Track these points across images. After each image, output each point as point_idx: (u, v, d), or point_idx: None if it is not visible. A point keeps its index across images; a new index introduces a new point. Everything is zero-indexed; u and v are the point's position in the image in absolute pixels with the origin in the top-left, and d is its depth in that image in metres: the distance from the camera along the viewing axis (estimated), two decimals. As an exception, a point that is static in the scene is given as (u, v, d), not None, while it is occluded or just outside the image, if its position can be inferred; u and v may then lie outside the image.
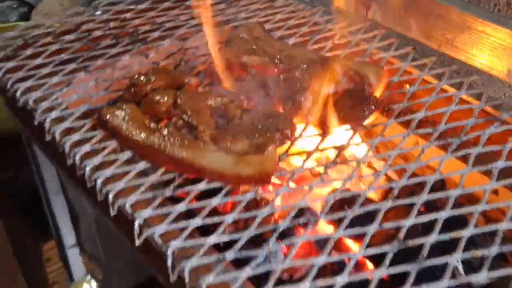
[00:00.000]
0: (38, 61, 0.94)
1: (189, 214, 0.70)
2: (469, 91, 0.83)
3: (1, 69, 0.93)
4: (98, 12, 1.07)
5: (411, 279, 0.62)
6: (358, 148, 0.81)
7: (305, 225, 0.71)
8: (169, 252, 0.66)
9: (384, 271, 0.63)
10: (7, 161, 1.34)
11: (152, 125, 0.77)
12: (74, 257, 1.15)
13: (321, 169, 0.76)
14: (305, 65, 0.83)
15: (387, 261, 0.64)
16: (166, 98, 0.80)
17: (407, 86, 0.88)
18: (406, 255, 0.65)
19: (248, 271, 0.63)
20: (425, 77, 0.87)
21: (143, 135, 0.76)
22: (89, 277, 1.07)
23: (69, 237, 1.13)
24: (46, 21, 1.03)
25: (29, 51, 0.96)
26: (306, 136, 0.80)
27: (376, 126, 0.80)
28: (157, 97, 0.80)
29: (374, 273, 0.63)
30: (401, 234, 0.66)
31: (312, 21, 1.01)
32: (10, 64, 0.93)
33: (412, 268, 0.63)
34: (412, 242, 0.65)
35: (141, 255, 0.74)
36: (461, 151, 0.75)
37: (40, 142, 0.91)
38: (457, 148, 0.75)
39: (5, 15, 1.67)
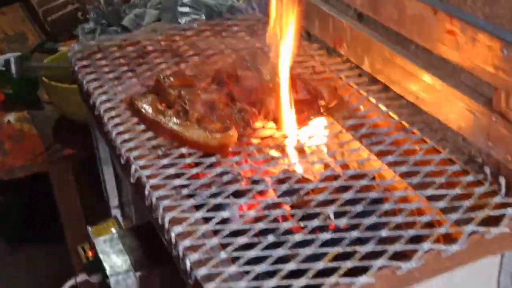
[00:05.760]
0: (103, 62, 1.32)
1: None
2: (394, 109, 1.12)
3: (77, 65, 1.31)
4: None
5: (298, 217, 0.92)
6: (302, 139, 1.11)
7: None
8: (148, 186, 0.99)
9: (285, 211, 0.93)
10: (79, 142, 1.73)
11: (162, 108, 1.12)
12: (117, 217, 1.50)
13: (273, 152, 1.08)
14: (278, 79, 1.15)
15: (288, 206, 0.94)
16: (174, 92, 1.14)
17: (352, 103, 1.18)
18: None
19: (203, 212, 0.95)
20: (370, 98, 1.17)
21: (153, 114, 1.11)
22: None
23: (113, 199, 1.49)
24: (115, 37, 1.41)
25: (98, 55, 1.35)
26: (267, 128, 1.12)
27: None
28: (169, 91, 1.15)
29: (283, 210, 0.93)
30: (302, 192, 0.96)
31: (308, 54, 1.33)
32: (84, 62, 1.32)
33: (301, 212, 0.93)
34: (306, 198, 0.95)
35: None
36: (372, 146, 1.05)
37: (97, 124, 1.28)
38: (371, 144, 1.05)
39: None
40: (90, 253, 1.23)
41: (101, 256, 1.11)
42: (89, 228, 1.23)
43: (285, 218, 0.95)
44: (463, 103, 0.97)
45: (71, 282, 1.19)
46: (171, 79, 1.18)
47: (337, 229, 0.90)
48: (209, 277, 0.83)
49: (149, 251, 1.12)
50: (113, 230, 1.23)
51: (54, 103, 1.84)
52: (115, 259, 1.09)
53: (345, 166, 1.07)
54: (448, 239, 0.88)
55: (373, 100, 1.16)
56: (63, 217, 1.85)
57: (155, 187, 0.99)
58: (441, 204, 0.92)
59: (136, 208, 1.40)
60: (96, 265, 1.14)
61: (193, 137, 1.06)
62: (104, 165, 1.44)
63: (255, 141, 1.10)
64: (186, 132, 1.07)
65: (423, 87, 1.05)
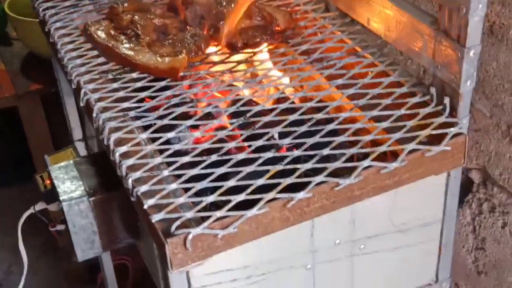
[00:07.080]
0: (61, -7, 1.30)
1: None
2: (349, 35, 1.12)
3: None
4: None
5: (244, 137, 0.92)
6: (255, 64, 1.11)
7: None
8: (96, 109, 0.99)
9: (236, 132, 0.93)
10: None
11: (114, 33, 1.11)
12: (81, 151, 1.49)
13: (224, 77, 1.07)
14: (232, 5, 1.13)
15: (236, 125, 0.94)
16: (127, 17, 1.13)
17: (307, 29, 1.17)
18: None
19: (148, 133, 0.95)
20: (326, 25, 1.16)
21: (105, 39, 1.10)
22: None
23: (77, 132, 1.48)
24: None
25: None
26: (219, 53, 1.11)
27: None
28: (122, 16, 1.14)
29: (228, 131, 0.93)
30: (248, 114, 0.96)
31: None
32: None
33: (246, 132, 0.93)
34: (252, 119, 0.95)
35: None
36: (323, 70, 1.04)
37: (54, 52, 1.27)
38: (322, 68, 1.05)
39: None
40: (48, 182, 1.23)
41: (55, 182, 1.11)
42: (47, 156, 1.23)
43: (231, 139, 0.95)
44: (412, 24, 0.97)
45: (29, 211, 1.19)
46: (125, 4, 1.17)
47: (282, 149, 0.91)
48: (150, 194, 0.84)
49: (104, 178, 1.12)
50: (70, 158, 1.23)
51: (21, 38, 1.82)
52: (69, 185, 1.09)
53: (295, 90, 1.07)
54: (393, 158, 0.89)
55: (328, 26, 1.15)
56: (33, 152, 1.85)
57: (103, 109, 0.99)
58: (385, 124, 0.93)
59: (98, 141, 1.40)
60: (53, 193, 1.14)
61: (143, 61, 1.05)
62: (66, 97, 1.43)
63: (206, 65, 1.09)
64: (136, 56, 1.06)
65: (375, 11, 1.04)
